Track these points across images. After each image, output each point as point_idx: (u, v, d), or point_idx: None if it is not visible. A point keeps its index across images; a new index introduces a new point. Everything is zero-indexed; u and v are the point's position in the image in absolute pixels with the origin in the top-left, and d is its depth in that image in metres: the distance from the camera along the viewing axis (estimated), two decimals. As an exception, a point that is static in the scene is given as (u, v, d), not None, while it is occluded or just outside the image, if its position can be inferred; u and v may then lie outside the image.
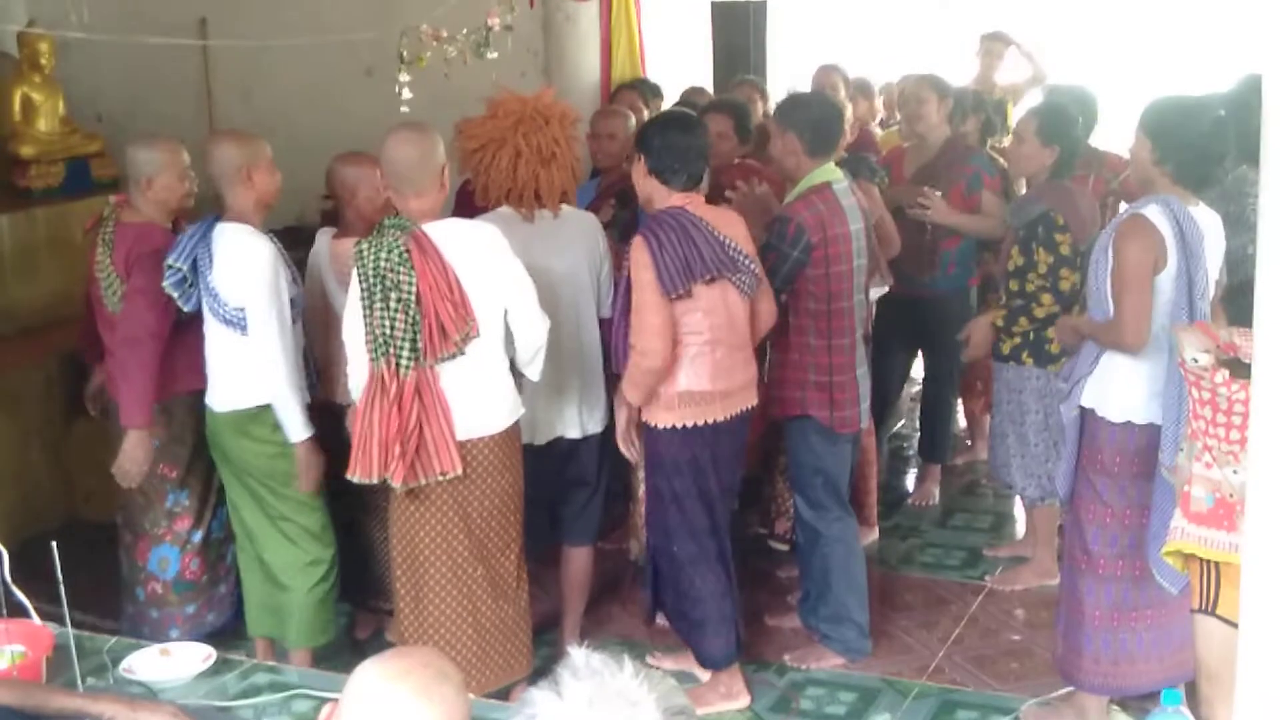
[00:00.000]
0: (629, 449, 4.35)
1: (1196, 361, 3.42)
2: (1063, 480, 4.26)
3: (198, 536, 4.64)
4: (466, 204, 5.05)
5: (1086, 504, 4.16)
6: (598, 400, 4.58)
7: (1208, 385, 3.40)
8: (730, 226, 4.24)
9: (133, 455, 4.37)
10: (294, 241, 5.02)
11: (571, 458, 4.56)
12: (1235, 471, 3.33)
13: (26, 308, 6.17)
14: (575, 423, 4.52)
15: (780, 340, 4.61)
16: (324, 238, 4.63)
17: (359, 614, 5.07)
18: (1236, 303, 3.74)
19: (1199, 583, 3.57)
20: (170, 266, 4.24)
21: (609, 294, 4.57)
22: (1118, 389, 4.00)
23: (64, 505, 5.79)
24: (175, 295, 4.25)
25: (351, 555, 4.72)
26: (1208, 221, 4.01)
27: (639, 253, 4.07)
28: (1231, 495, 3.37)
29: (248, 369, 4.22)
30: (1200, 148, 3.95)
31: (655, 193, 4.23)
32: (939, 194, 5.72)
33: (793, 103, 4.89)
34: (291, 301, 4.28)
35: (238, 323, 4.20)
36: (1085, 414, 4.12)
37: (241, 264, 4.16)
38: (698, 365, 4.19)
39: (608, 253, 4.62)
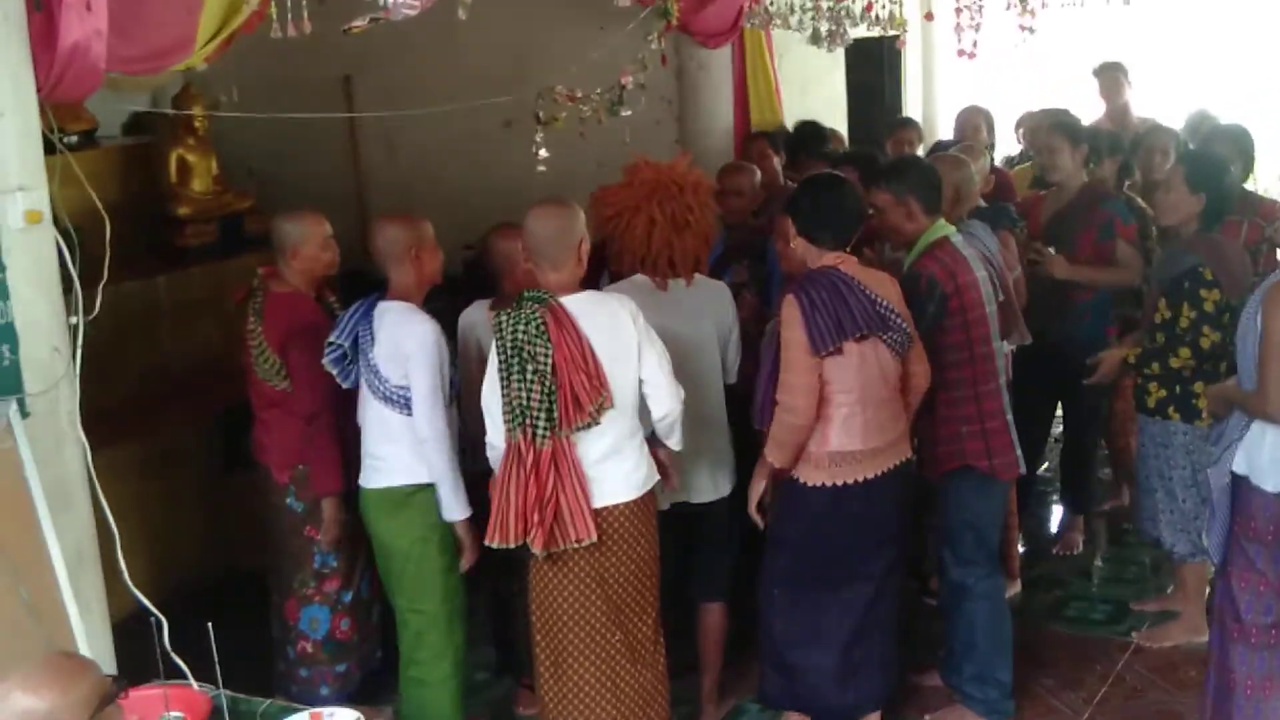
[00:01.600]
0: (758, 515, 4.35)
1: None
2: (1215, 547, 4.16)
3: (348, 597, 4.76)
4: (594, 267, 5.05)
5: (1240, 571, 4.06)
6: (726, 463, 4.61)
7: None
8: (882, 286, 4.25)
9: (331, 519, 4.58)
10: (437, 291, 5.14)
11: (701, 521, 4.59)
12: None
13: (184, 365, 6.40)
14: (706, 487, 4.55)
15: (927, 398, 4.57)
16: (480, 310, 4.60)
17: (520, 691, 5.02)
18: None
19: None
20: (331, 344, 4.33)
21: (735, 361, 4.63)
22: (1270, 457, 3.90)
23: (222, 558, 5.98)
24: (334, 371, 4.35)
25: (509, 630, 4.83)
26: None
27: (789, 310, 4.12)
28: None
29: (403, 448, 4.26)
30: None
31: (807, 254, 4.29)
32: (1050, 250, 5.61)
33: (900, 168, 4.84)
34: (450, 383, 4.32)
35: (398, 400, 4.23)
36: (1238, 480, 4.02)
37: (406, 343, 4.20)
38: (850, 425, 4.20)
39: (736, 321, 4.65)
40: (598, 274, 4.81)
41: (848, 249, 4.28)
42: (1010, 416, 4.65)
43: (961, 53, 6.49)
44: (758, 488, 4.32)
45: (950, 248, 4.55)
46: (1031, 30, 6.99)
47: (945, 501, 4.70)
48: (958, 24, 6.84)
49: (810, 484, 4.26)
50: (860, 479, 4.24)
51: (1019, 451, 4.65)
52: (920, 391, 4.42)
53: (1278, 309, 3.81)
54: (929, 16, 6.29)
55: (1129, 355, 5.03)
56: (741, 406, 4.67)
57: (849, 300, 4.11)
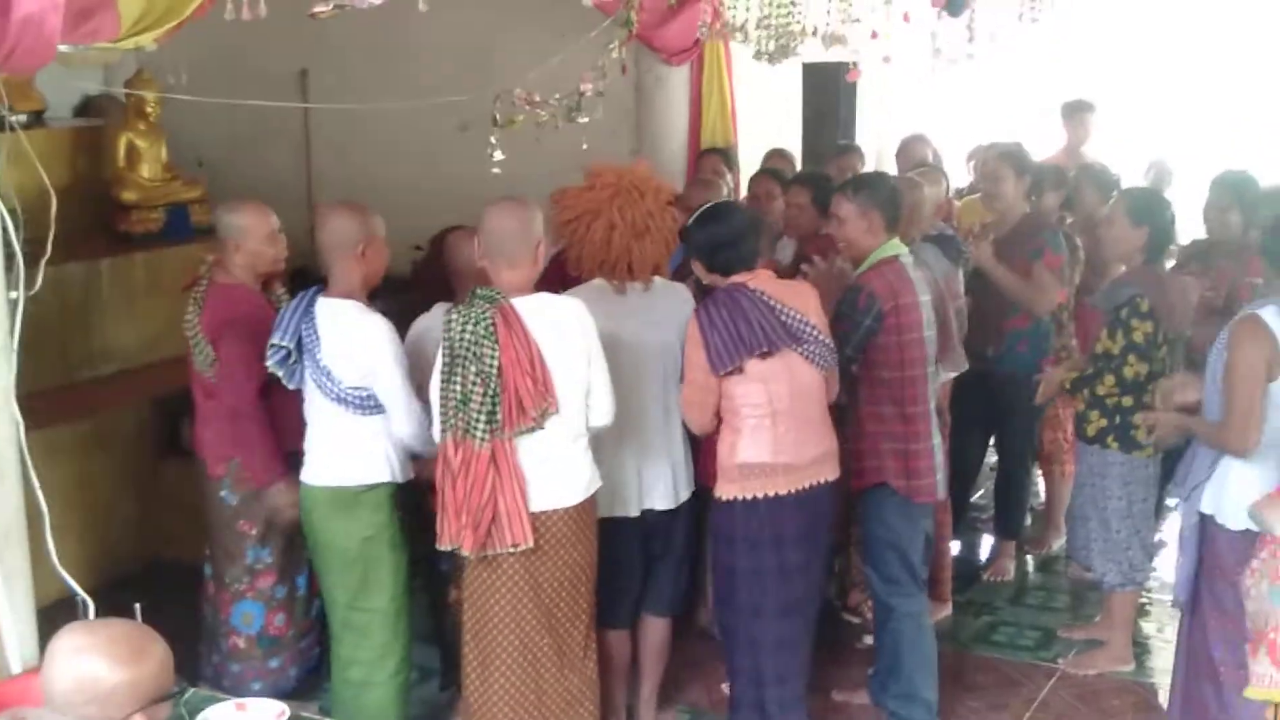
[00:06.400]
0: None
1: None
2: (1182, 585, 4.23)
3: (282, 592, 4.68)
4: (557, 273, 5.00)
5: (1209, 611, 4.12)
6: (685, 469, 4.59)
7: None
8: (798, 298, 4.26)
9: (278, 506, 4.48)
10: (384, 290, 5.09)
11: (661, 529, 4.55)
12: None
13: (123, 350, 6.35)
14: (667, 494, 4.51)
15: (855, 411, 4.62)
16: (440, 311, 4.32)
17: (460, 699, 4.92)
18: None
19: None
20: (275, 345, 4.17)
21: None
22: (1235, 495, 3.95)
23: (149, 546, 5.91)
24: (280, 373, 4.21)
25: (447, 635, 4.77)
26: None
27: (691, 328, 4.18)
28: None
29: (356, 447, 4.17)
30: None
31: (718, 282, 4.29)
32: (990, 238, 5.68)
33: (869, 182, 4.92)
34: None
35: (351, 401, 4.13)
36: (1204, 520, 4.08)
37: (364, 346, 4.10)
38: (758, 437, 4.20)
39: None
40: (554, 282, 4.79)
41: (758, 266, 4.31)
42: (936, 441, 4.68)
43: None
44: None
45: (898, 267, 4.60)
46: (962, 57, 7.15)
47: (866, 519, 4.73)
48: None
49: (724, 498, 4.28)
50: (771, 494, 4.22)
51: (939, 476, 4.68)
52: (828, 401, 4.41)
53: (1241, 344, 3.88)
54: (874, 35, 6.35)
55: (1065, 380, 5.10)
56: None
57: (750, 317, 4.11)
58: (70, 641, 2.43)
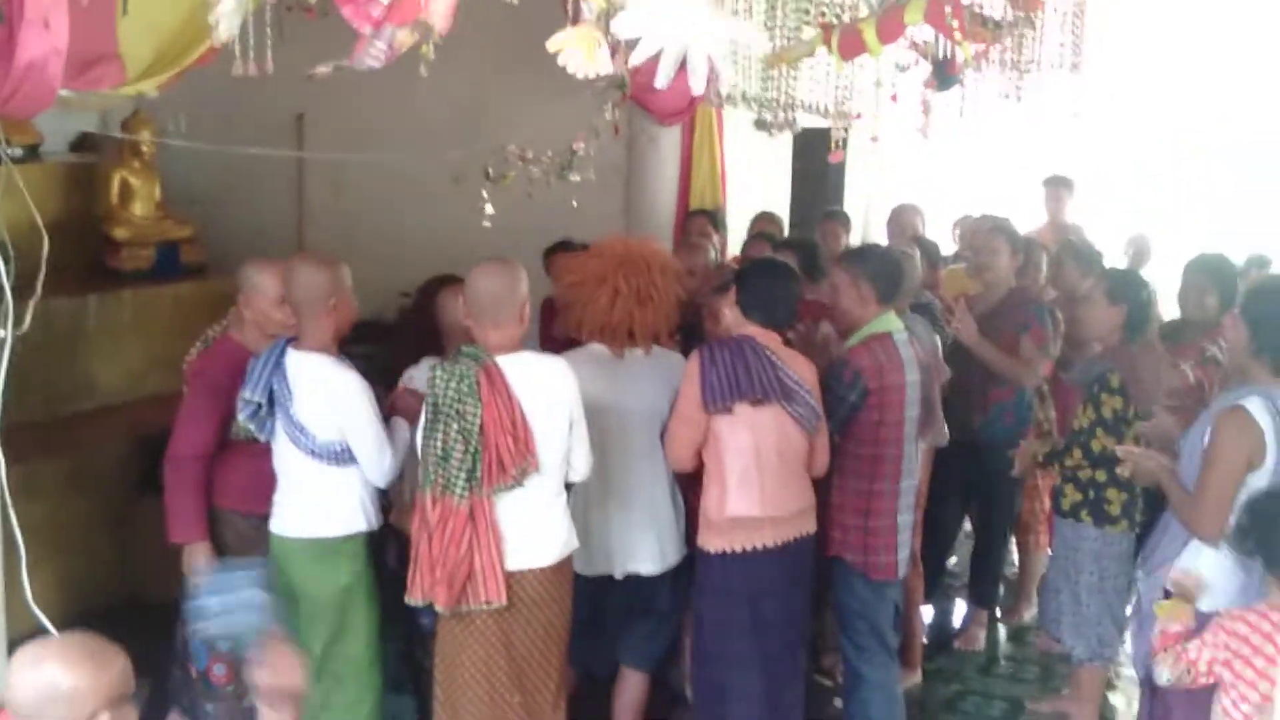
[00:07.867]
0: None
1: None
2: (1141, 661, 4.23)
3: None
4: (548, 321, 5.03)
5: (1174, 693, 4.12)
6: (673, 534, 4.63)
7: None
8: (797, 364, 4.37)
9: (191, 566, 4.43)
10: (370, 336, 5.09)
11: (645, 590, 4.60)
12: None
13: (107, 385, 6.35)
14: (653, 557, 4.57)
15: (829, 480, 4.65)
16: (427, 365, 4.39)
17: None
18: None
19: None
20: (246, 401, 4.20)
21: None
22: (1204, 578, 3.97)
23: (127, 584, 5.89)
24: (251, 427, 4.24)
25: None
26: None
27: (691, 365, 4.29)
28: None
29: (333, 499, 4.20)
30: None
31: (734, 321, 4.42)
32: (970, 318, 5.72)
33: (864, 253, 5.00)
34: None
35: (325, 455, 4.17)
36: (1170, 598, 4.10)
37: (340, 401, 4.13)
38: (746, 489, 4.27)
39: None
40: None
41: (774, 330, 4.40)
42: (904, 520, 4.69)
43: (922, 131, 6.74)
44: None
45: (890, 345, 4.61)
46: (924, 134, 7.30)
47: (836, 588, 4.77)
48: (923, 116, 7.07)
49: (711, 551, 4.33)
50: (759, 546, 4.29)
51: (900, 555, 4.69)
52: (819, 470, 4.50)
53: (1227, 433, 3.92)
54: (858, 116, 6.49)
55: (1039, 453, 5.15)
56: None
57: (751, 364, 4.22)
58: (27, 654, 2.51)
